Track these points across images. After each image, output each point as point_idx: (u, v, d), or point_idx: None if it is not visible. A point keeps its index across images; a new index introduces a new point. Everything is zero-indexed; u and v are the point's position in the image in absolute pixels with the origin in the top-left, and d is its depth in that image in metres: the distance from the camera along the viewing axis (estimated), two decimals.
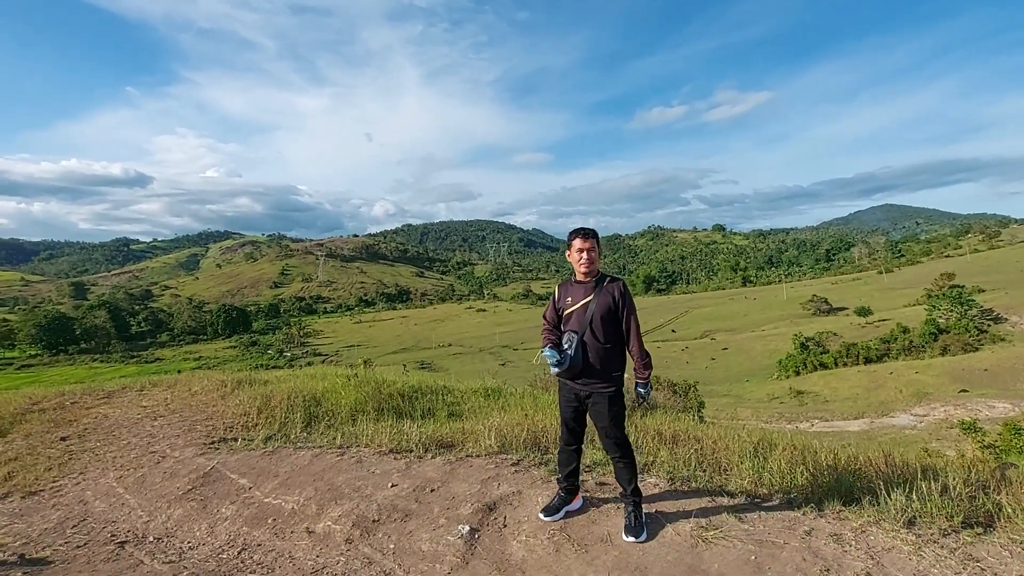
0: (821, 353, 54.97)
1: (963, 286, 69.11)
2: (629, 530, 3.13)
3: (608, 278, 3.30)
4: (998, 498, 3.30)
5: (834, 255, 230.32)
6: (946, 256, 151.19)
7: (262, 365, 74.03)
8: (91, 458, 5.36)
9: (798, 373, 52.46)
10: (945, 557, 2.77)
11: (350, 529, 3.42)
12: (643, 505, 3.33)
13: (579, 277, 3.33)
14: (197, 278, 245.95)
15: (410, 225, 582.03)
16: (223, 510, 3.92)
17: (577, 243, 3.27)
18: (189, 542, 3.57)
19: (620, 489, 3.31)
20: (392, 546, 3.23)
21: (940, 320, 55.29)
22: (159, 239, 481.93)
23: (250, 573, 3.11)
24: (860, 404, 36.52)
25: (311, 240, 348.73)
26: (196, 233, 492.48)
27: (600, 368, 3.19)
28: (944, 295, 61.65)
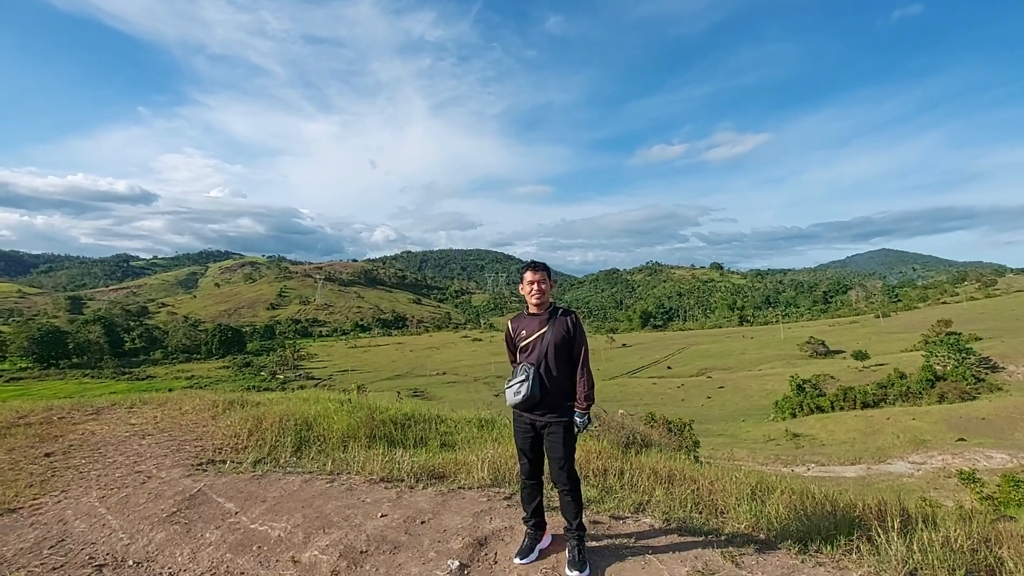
0: (818, 396, 54.56)
1: (960, 333, 69.23)
2: (572, 565, 3.11)
3: (561, 310, 3.36)
4: (1000, 552, 3.23)
5: (831, 297, 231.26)
6: (943, 303, 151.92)
7: (254, 387, 73.16)
8: (74, 476, 5.24)
9: (794, 415, 51.94)
10: None
11: (337, 560, 3.32)
12: (632, 544, 3.34)
13: (532, 309, 3.40)
14: (195, 296, 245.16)
15: (409, 252, 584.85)
16: (207, 535, 3.81)
17: (528, 276, 3.35)
18: (169, 568, 3.45)
19: (565, 524, 3.31)
20: None
21: (937, 367, 55.13)
22: (159, 256, 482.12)
23: None
24: (857, 449, 36.02)
25: (310, 263, 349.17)
26: (197, 252, 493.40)
27: (555, 399, 3.23)
28: (941, 342, 61.67)
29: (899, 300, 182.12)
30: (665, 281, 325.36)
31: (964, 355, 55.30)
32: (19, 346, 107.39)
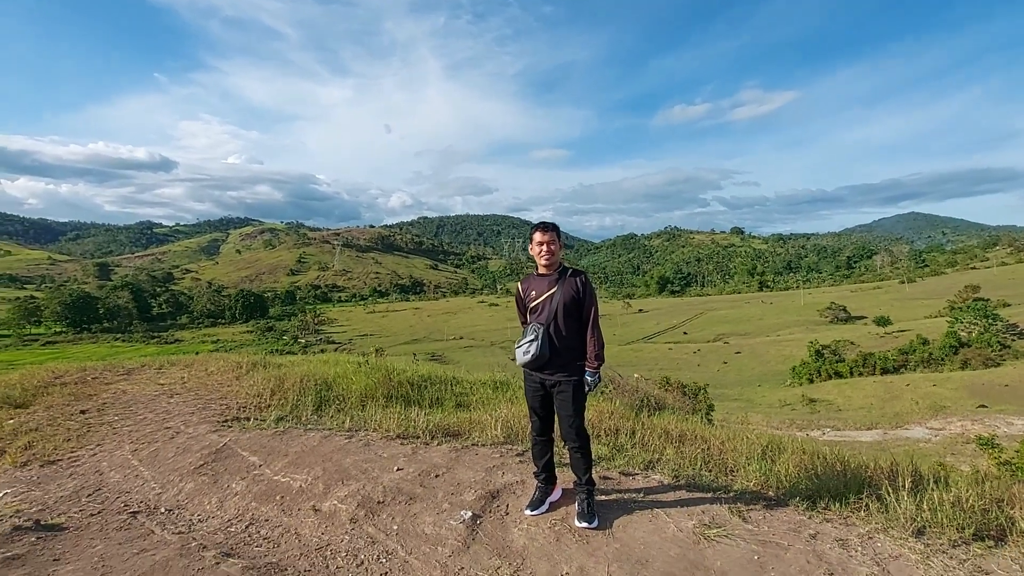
0: (837, 362, 54.07)
1: (988, 299, 67.41)
2: (581, 516, 3.21)
3: (570, 270, 3.35)
4: (1011, 512, 3.23)
5: (855, 263, 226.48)
6: (972, 268, 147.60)
7: (277, 350, 75.12)
8: (108, 431, 5.50)
9: (812, 381, 51.71)
10: (954, 568, 2.73)
11: (355, 509, 3.47)
12: (640, 499, 3.48)
13: (541, 270, 3.39)
14: (217, 263, 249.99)
15: (426, 218, 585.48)
16: (233, 485, 4.00)
17: (537, 236, 3.33)
18: (199, 515, 3.66)
19: (575, 478, 3.39)
20: (396, 527, 3.28)
21: (962, 333, 53.99)
22: (181, 223, 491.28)
23: (256, 547, 3.17)
24: (874, 415, 35.86)
25: (328, 229, 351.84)
26: (217, 219, 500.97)
27: (565, 358, 3.26)
28: (968, 308, 60.20)
29: (926, 265, 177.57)
30: (684, 246, 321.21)
31: (991, 321, 54.00)
32: (53, 311, 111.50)
